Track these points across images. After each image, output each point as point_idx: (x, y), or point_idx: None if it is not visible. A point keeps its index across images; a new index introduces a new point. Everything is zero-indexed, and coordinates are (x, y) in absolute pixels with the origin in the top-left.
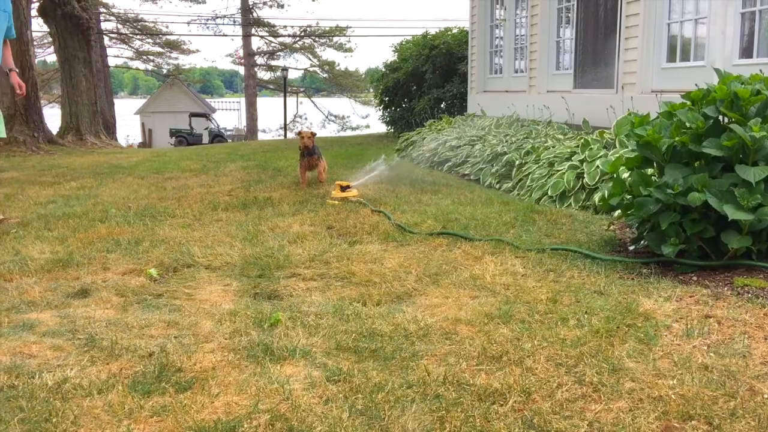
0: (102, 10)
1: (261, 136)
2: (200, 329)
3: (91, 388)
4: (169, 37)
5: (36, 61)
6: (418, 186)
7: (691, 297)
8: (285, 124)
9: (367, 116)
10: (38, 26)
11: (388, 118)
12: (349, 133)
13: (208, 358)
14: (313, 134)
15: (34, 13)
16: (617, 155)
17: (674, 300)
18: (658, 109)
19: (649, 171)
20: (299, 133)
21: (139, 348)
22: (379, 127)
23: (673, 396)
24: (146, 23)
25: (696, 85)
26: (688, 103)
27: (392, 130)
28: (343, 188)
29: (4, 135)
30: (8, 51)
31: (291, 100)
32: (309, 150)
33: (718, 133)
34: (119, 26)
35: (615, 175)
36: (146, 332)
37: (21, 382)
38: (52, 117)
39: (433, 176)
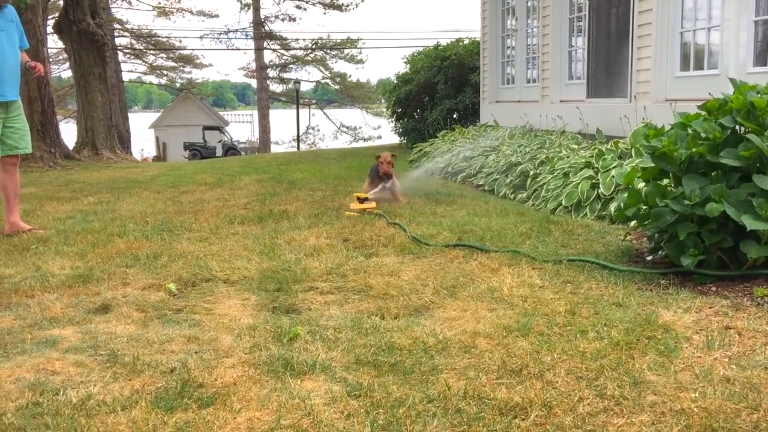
0: (116, 26)
1: (274, 148)
2: (220, 344)
3: (115, 405)
4: (182, 51)
5: (51, 77)
6: (433, 197)
7: (710, 308)
8: (298, 136)
9: (378, 127)
10: (53, 43)
11: (400, 129)
12: (361, 144)
13: (229, 373)
14: (394, 156)
15: (49, 30)
16: (632, 165)
17: (694, 311)
18: (673, 119)
19: (665, 181)
20: (378, 157)
21: (161, 364)
22: (391, 137)
23: (695, 409)
24: (160, 38)
25: (710, 93)
26: (704, 113)
27: (405, 141)
28: (361, 200)
29: (30, 150)
30: (24, 55)
31: (303, 112)
32: (388, 176)
33: (735, 143)
34: (133, 42)
35: (630, 186)
36: (167, 348)
37: (45, 399)
38: (68, 132)
39: (448, 187)
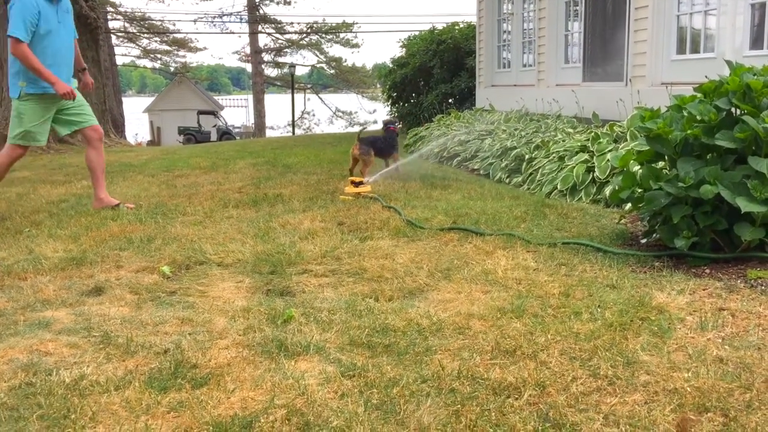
0: (109, 9)
1: (269, 132)
2: (214, 326)
3: (108, 385)
4: (176, 35)
5: None
6: (428, 181)
7: (704, 290)
8: (293, 121)
9: (374, 112)
10: None
11: (396, 114)
12: (356, 128)
13: (222, 354)
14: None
15: None
16: (627, 149)
17: (687, 293)
18: (669, 102)
19: (660, 164)
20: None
21: (155, 345)
22: None
23: (688, 388)
24: (153, 22)
25: (706, 77)
26: (699, 95)
27: (400, 126)
28: (356, 184)
29: (94, 122)
30: (78, 50)
31: (298, 97)
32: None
33: (731, 125)
34: (126, 25)
35: (625, 169)
36: (161, 329)
37: (38, 380)
38: None
39: (443, 171)
